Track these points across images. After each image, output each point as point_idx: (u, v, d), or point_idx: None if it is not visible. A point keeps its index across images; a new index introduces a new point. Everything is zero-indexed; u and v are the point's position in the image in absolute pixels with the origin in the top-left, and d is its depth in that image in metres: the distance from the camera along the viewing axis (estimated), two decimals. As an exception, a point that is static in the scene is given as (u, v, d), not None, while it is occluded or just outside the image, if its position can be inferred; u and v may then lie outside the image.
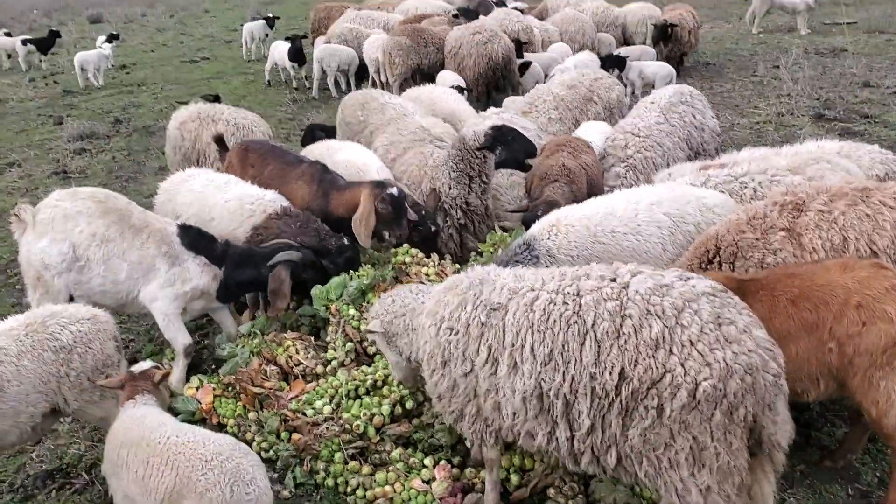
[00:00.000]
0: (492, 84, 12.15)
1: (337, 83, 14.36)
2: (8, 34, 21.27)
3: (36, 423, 4.04)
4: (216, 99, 10.42)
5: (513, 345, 3.55)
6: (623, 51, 13.23)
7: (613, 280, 3.49)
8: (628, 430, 3.30)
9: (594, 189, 6.36)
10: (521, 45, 12.65)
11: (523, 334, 3.53)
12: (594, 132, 7.57)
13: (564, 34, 14.06)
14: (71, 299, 5.23)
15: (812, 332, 3.73)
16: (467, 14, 12.78)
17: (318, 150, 7.20)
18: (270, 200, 6.05)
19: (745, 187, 5.41)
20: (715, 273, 4.18)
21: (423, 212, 6.12)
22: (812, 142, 6.09)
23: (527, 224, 5.74)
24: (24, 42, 20.05)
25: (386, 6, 18.24)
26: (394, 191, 5.86)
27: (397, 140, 7.42)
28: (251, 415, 4.73)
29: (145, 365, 4.12)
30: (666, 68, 12.32)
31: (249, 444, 4.54)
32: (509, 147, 6.20)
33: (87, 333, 4.14)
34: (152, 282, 5.22)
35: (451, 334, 3.77)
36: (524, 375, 3.50)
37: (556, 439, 3.51)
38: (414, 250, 5.86)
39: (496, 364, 3.62)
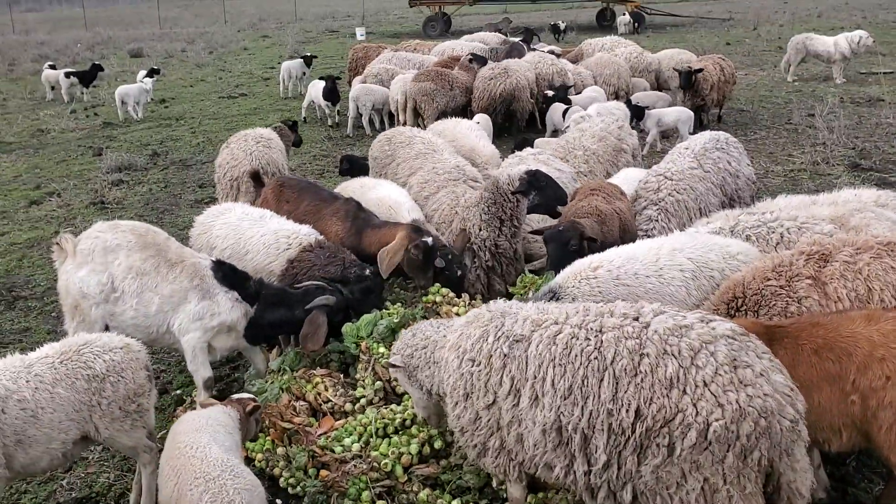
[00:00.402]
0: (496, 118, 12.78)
1: (371, 122, 14.54)
2: (52, 67, 21.84)
3: (67, 450, 4.08)
4: (294, 125, 11.01)
5: (535, 377, 3.60)
6: (638, 97, 13.11)
7: (636, 319, 3.54)
8: (641, 466, 3.32)
9: (627, 235, 6.35)
10: (566, 90, 12.87)
11: (545, 367, 3.58)
12: (632, 178, 7.59)
13: (598, 77, 14.14)
14: (107, 329, 5.30)
15: (834, 383, 3.70)
16: (478, 59, 13.03)
17: (351, 188, 7.30)
18: (305, 234, 6.13)
19: (773, 232, 5.42)
20: (743, 319, 4.20)
21: (450, 255, 6.12)
22: (849, 190, 6.04)
23: (547, 239, 5.85)
24: (67, 75, 20.51)
25: (421, 48, 18.52)
26: (428, 240, 5.87)
27: (432, 178, 7.50)
28: (279, 450, 4.72)
29: (245, 396, 4.46)
30: (686, 112, 12.18)
31: (277, 479, 4.55)
32: (543, 193, 6.22)
33: (119, 363, 4.19)
34: (183, 314, 5.26)
35: (472, 366, 3.83)
36: (544, 408, 3.54)
37: (574, 472, 3.54)
38: (445, 290, 5.87)
39: (518, 395, 3.66)
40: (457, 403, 3.92)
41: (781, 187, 9.79)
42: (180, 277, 5.27)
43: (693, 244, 5.15)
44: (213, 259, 5.56)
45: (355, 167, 9.21)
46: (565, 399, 3.48)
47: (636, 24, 32.08)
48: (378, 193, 7.07)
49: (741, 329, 3.44)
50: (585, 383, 3.44)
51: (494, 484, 4.34)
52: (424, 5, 37.84)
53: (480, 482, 4.42)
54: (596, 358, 3.45)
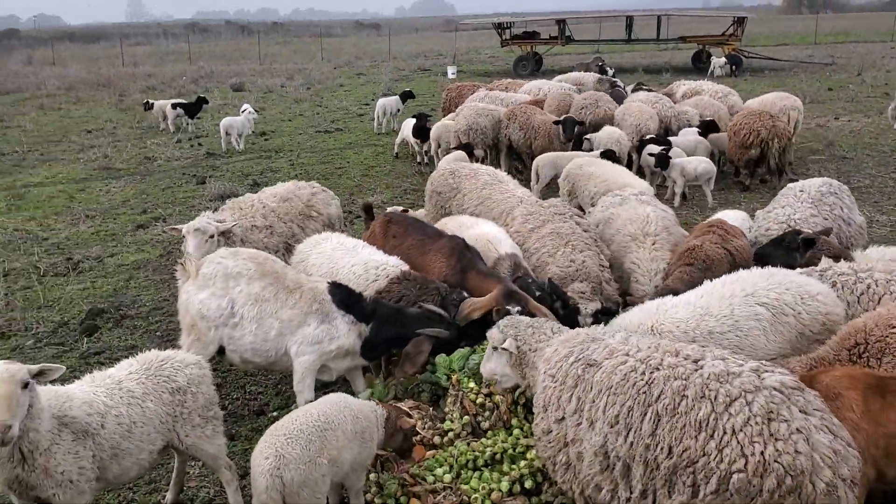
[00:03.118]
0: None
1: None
2: (148, 104, 22.61)
3: (152, 459, 4.31)
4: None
5: (593, 401, 3.76)
6: (677, 141, 12.70)
7: (696, 361, 3.61)
8: (668, 502, 3.40)
9: None
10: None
11: (602, 393, 3.73)
12: (731, 219, 7.51)
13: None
14: (221, 352, 5.56)
15: None
16: (566, 125, 12.68)
17: (451, 226, 7.41)
18: (393, 266, 6.26)
19: (860, 282, 5.34)
20: (855, 368, 4.16)
21: (545, 296, 6.11)
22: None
23: None
24: (174, 106, 21.39)
25: (513, 87, 18.69)
26: (515, 310, 5.56)
27: (537, 212, 7.57)
28: (371, 476, 4.77)
29: (408, 422, 4.81)
30: (706, 162, 11.71)
31: (368, 504, 4.63)
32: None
33: (197, 376, 4.51)
34: (301, 337, 5.41)
35: (552, 381, 4.05)
36: (596, 432, 3.70)
37: (618, 498, 3.66)
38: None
39: (581, 416, 3.82)
40: (538, 413, 4.15)
41: (886, 237, 9.44)
42: (300, 302, 5.44)
43: (767, 284, 5.04)
44: (329, 282, 5.71)
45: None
46: (612, 427, 3.62)
47: (733, 67, 31.60)
48: (476, 231, 7.15)
49: (795, 383, 3.42)
50: (630, 415, 3.57)
51: None
52: (516, 45, 38.30)
53: (568, 519, 4.39)
54: (644, 393, 3.57)
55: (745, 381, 3.37)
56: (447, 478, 4.70)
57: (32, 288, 9.04)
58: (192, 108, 21.51)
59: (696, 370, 3.52)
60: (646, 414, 3.50)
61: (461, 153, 12.59)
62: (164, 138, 20.21)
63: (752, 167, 12.56)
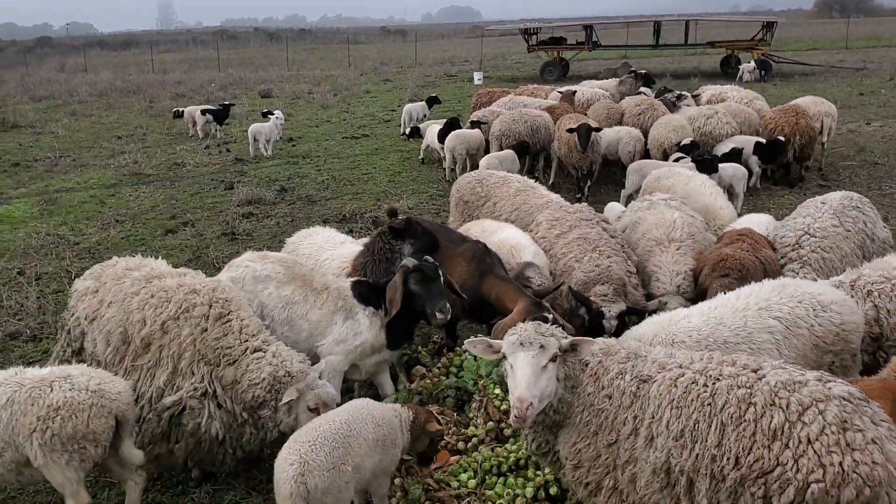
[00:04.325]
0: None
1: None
2: (179, 113, 23.11)
3: (9, 470, 4.20)
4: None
5: (653, 416, 3.66)
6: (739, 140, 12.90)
7: (755, 371, 3.56)
8: None
9: None
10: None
11: (663, 407, 3.64)
12: (755, 223, 7.44)
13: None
14: None
15: None
16: (580, 134, 12.35)
17: (475, 231, 7.41)
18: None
19: None
20: (892, 381, 4.07)
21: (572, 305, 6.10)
22: None
23: None
24: (203, 112, 21.54)
25: (539, 92, 18.66)
26: (547, 317, 5.49)
27: (563, 217, 7.54)
28: (396, 480, 4.81)
29: (435, 426, 4.80)
30: (741, 170, 11.74)
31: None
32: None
33: (77, 402, 4.20)
34: (329, 337, 5.49)
35: (609, 403, 3.86)
36: (657, 448, 3.60)
37: None
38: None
39: (637, 434, 3.71)
40: (583, 438, 3.92)
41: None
42: (327, 303, 5.52)
43: (780, 298, 4.95)
44: (353, 280, 5.79)
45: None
46: (676, 441, 3.54)
47: (762, 73, 31.25)
48: (500, 236, 7.15)
49: (861, 394, 3.37)
50: (696, 427, 3.50)
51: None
52: (543, 50, 38.26)
53: (595, 529, 4.36)
54: (709, 404, 3.51)
55: (813, 389, 3.34)
56: (471, 483, 4.72)
57: (64, 292, 9.17)
58: (221, 115, 21.74)
59: (759, 379, 3.48)
60: (711, 425, 3.45)
61: (505, 154, 12.61)
62: (193, 144, 20.42)
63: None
